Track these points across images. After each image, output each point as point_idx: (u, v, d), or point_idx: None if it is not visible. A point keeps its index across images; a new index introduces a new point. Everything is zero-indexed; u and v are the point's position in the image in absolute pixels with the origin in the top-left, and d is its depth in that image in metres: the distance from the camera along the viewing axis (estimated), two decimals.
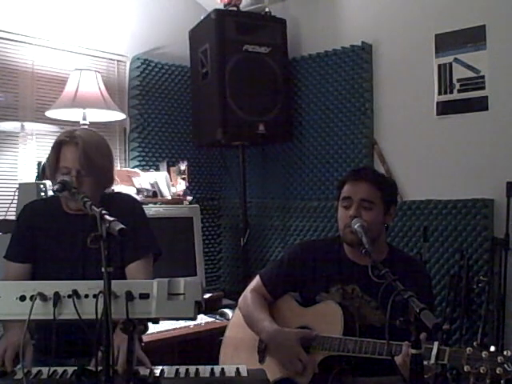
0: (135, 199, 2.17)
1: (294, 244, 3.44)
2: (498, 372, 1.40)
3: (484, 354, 1.44)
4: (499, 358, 1.42)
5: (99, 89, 2.97)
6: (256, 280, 2.14)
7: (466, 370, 1.45)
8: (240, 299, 2.15)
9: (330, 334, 1.82)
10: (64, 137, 1.84)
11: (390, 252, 1.99)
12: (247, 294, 2.11)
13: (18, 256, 1.90)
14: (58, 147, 1.84)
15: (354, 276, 1.94)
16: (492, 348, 1.45)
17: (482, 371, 1.42)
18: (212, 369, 1.58)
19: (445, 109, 2.93)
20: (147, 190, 3.19)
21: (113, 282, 1.23)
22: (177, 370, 1.58)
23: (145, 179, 3.23)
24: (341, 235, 1.96)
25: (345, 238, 1.93)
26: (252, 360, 1.96)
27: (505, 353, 1.43)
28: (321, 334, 1.85)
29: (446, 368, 2.49)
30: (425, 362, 1.38)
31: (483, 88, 2.79)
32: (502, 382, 1.41)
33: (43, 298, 1.34)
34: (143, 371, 1.53)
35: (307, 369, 1.81)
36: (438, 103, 2.96)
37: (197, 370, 1.57)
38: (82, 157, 1.80)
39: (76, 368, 1.45)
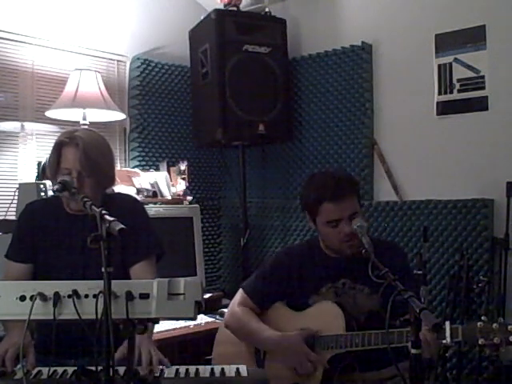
0: (136, 199, 2.17)
1: (273, 254, 3.45)
2: (511, 340, 1.49)
3: (494, 325, 1.52)
4: (510, 327, 1.50)
5: (99, 89, 2.97)
6: (240, 294, 2.11)
7: (480, 343, 1.52)
8: (226, 316, 2.10)
9: (333, 332, 1.82)
10: (64, 138, 1.84)
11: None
12: (235, 309, 2.07)
13: (18, 256, 1.90)
14: (58, 148, 1.83)
15: (342, 270, 1.95)
16: (500, 319, 1.54)
17: (495, 342, 1.50)
18: (212, 369, 1.58)
19: (445, 109, 2.93)
20: (147, 189, 3.19)
21: (113, 282, 1.23)
22: (177, 370, 1.58)
23: (145, 179, 3.23)
24: (334, 250, 1.96)
25: (343, 252, 1.91)
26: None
27: None
28: (324, 333, 1.85)
29: (446, 367, 2.51)
30: (443, 341, 1.52)
31: (483, 88, 2.79)
32: None
33: (43, 298, 1.34)
34: (143, 371, 1.53)
35: (317, 368, 1.81)
36: (437, 103, 2.96)
37: (197, 370, 1.58)
38: (82, 158, 1.79)
39: (76, 368, 1.45)
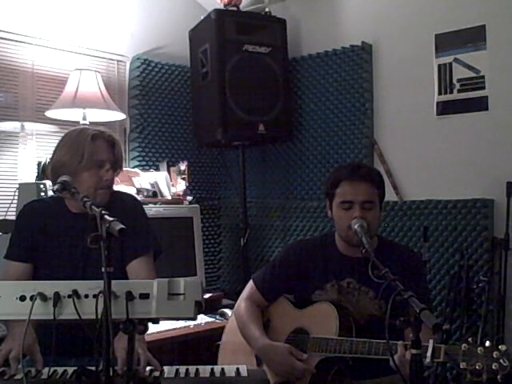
0: (135, 198, 2.17)
1: (285, 246, 3.44)
2: (493, 367, 1.39)
3: (479, 349, 1.42)
4: (495, 353, 1.40)
5: (99, 89, 2.97)
6: (250, 285, 2.13)
7: (462, 366, 1.43)
8: (235, 306, 2.14)
9: (326, 334, 1.82)
10: (94, 132, 1.86)
11: (379, 242, 1.98)
12: (241, 304, 2.09)
13: (18, 256, 1.89)
14: (93, 140, 1.84)
15: (349, 269, 1.94)
16: (487, 343, 1.44)
17: (478, 367, 1.40)
18: (212, 369, 1.58)
19: (445, 109, 2.94)
20: (147, 190, 3.19)
21: (113, 282, 1.23)
22: (177, 370, 1.58)
23: (145, 179, 3.22)
24: (342, 236, 1.94)
25: (349, 239, 1.90)
26: (250, 364, 1.95)
27: (500, 347, 1.41)
28: (316, 335, 1.85)
29: (446, 367, 2.51)
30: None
31: (483, 88, 2.79)
32: (498, 377, 1.39)
33: (43, 298, 1.34)
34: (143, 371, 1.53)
35: (304, 373, 1.81)
36: (438, 103, 2.96)
37: (197, 370, 1.58)
38: (117, 151, 1.89)
39: (76, 368, 1.45)
